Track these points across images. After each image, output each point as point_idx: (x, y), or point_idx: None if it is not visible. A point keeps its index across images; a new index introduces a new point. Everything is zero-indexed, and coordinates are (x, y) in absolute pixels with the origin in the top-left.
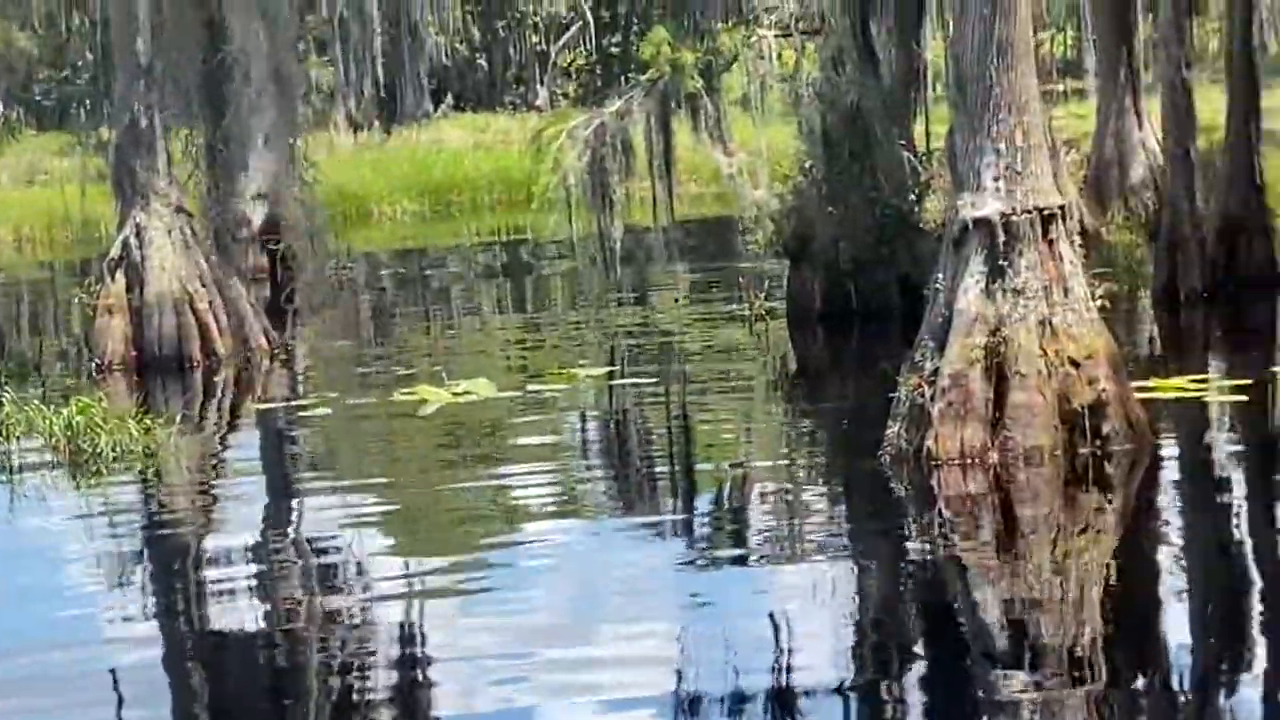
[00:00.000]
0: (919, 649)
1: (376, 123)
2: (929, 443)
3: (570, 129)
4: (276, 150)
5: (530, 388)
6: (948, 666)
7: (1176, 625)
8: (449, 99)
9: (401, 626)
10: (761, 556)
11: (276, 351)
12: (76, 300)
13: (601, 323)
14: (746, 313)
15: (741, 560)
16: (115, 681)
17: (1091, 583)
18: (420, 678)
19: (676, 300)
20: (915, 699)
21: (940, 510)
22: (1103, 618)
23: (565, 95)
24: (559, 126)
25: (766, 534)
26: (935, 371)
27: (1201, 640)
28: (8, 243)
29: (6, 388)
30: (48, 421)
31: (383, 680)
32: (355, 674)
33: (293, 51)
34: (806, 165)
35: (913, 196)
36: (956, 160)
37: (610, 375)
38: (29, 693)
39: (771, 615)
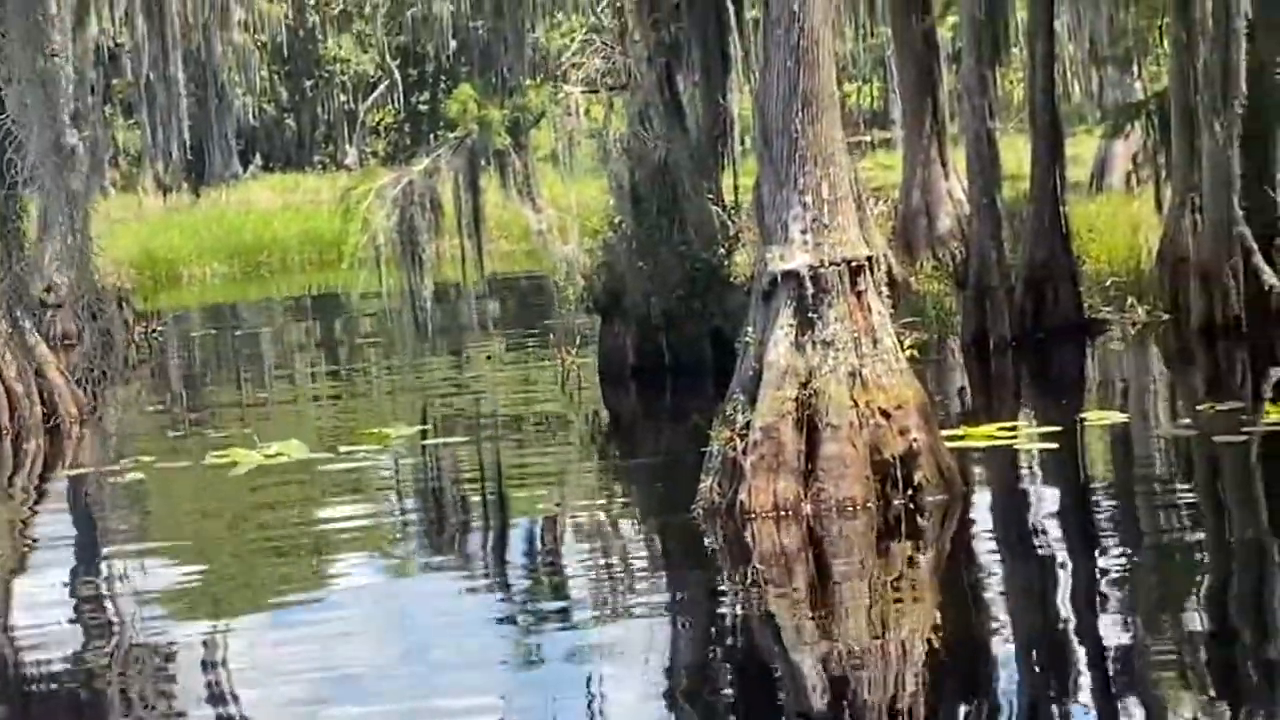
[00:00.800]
0: (735, 709)
1: (185, 184)
2: (742, 496)
3: (379, 188)
4: (58, 220)
5: (342, 448)
6: None
7: (995, 675)
8: (257, 159)
9: (208, 685)
10: (577, 613)
11: (86, 417)
12: None
13: (414, 382)
14: (559, 368)
15: (558, 616)
16: None
17: (906, 634)
18: None
19: (489, 358)
20: None
21: (755, 564)
22: (919, 670)
23: (374, 154)
24: (367, 185)
25: (582, 590)
26: (747, 425)
27: (1023, 688)
28: None
29: None
30: None
31: None
32: None
33: (78, 119)
34: (616, 220)
35: (722, 250)
36: (764, 213)
37: (423, 434)
38: None
39: (589, 678)
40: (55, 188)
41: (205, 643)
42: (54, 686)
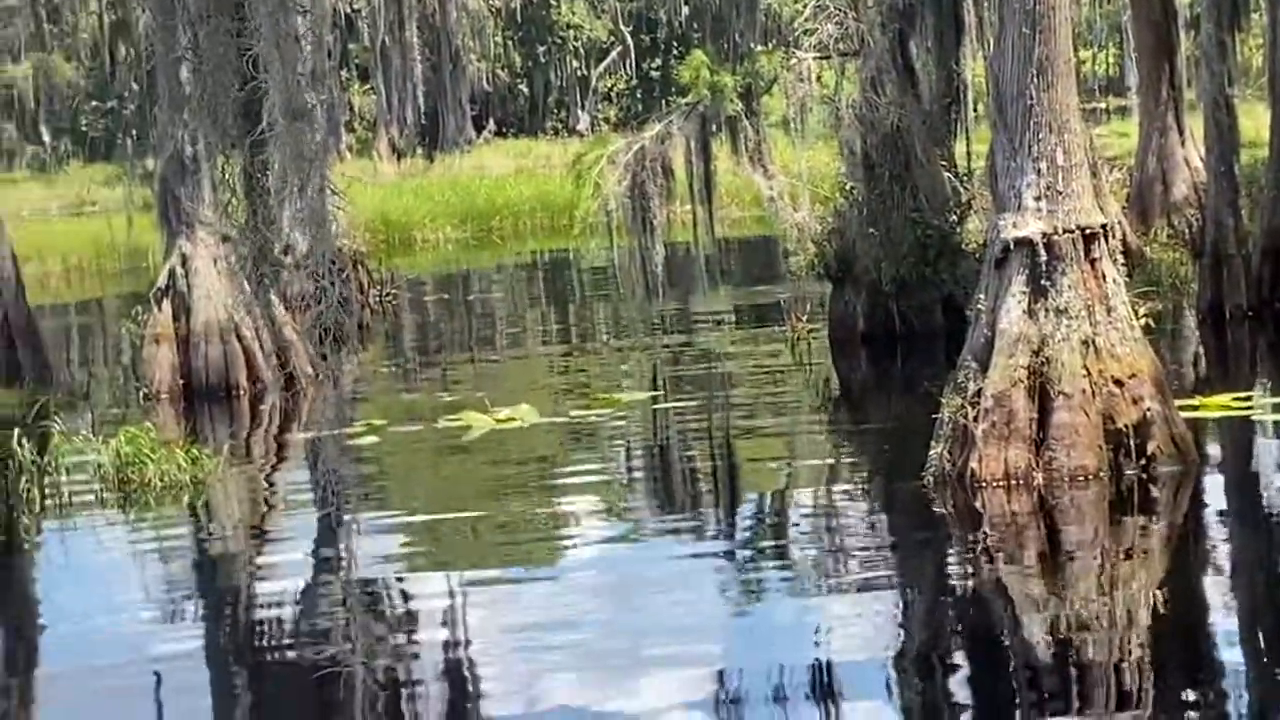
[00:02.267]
0: (963, 676)
1: (419, 149)
2: (973, 464)
3: (610, 153)
4: (295, 181)
5: (574, 413)
6: (992, 696)
7: (1226, 649)
8: (490, 125)
9: (446, 648)
10: (803, 578)
11: (322, 378)
12: (124, 330)
13: (644, 347)
14: (789, 335)
15: (784, 581)
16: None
17: (1138, 606)
18: (468, 703)
19: (719, 323)
20: None
21: (985, 532)
22: (1150, 643)
23: (606, 119)
24: (599, 151)
25: (809, 555)
26: (978, 392)
27: (1253, 663)
28: (56, 273)
29: (56, 418)
30: (96, 452)
31: (434, 708)
32: (406, 700)
33: (313, 81)
34: (847, 187)
35: (954, 217)
36: (997, 179)
37: (653, 399)
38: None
39: (815, 642)
40: (292, 148)
41: (439, 602)
42: (294, 644)
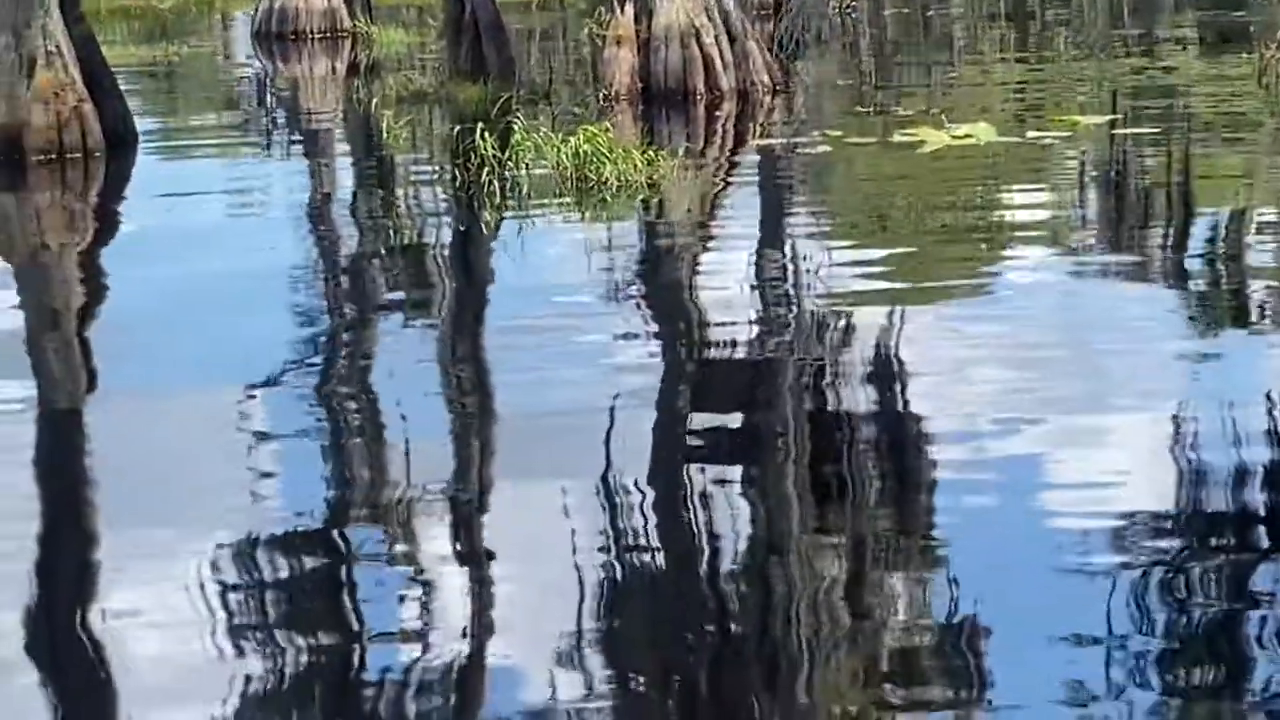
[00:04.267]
0: None
1: None
2: None
3: None
4: None
5: (1030, 133)
6: None
7: None
8: None
9: (872, 359)
10: (1255, 320)
11: (778, 87)
12: (586, 32)
13: (1105, 69)
14: (1256, 63)
15: (1234, 321)
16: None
17: None
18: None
19: (1184, 49)
20: None
21: None
22: None
23: None
24: None
25: (1263, 300)
26: None
27: None
28: None
29: (518, 115)
30: (555, 149)
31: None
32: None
33: None
34: None
35: None
36: None
37: (1112, 124)
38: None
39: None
40: None
41: (874, 321)
42: (729, 350)
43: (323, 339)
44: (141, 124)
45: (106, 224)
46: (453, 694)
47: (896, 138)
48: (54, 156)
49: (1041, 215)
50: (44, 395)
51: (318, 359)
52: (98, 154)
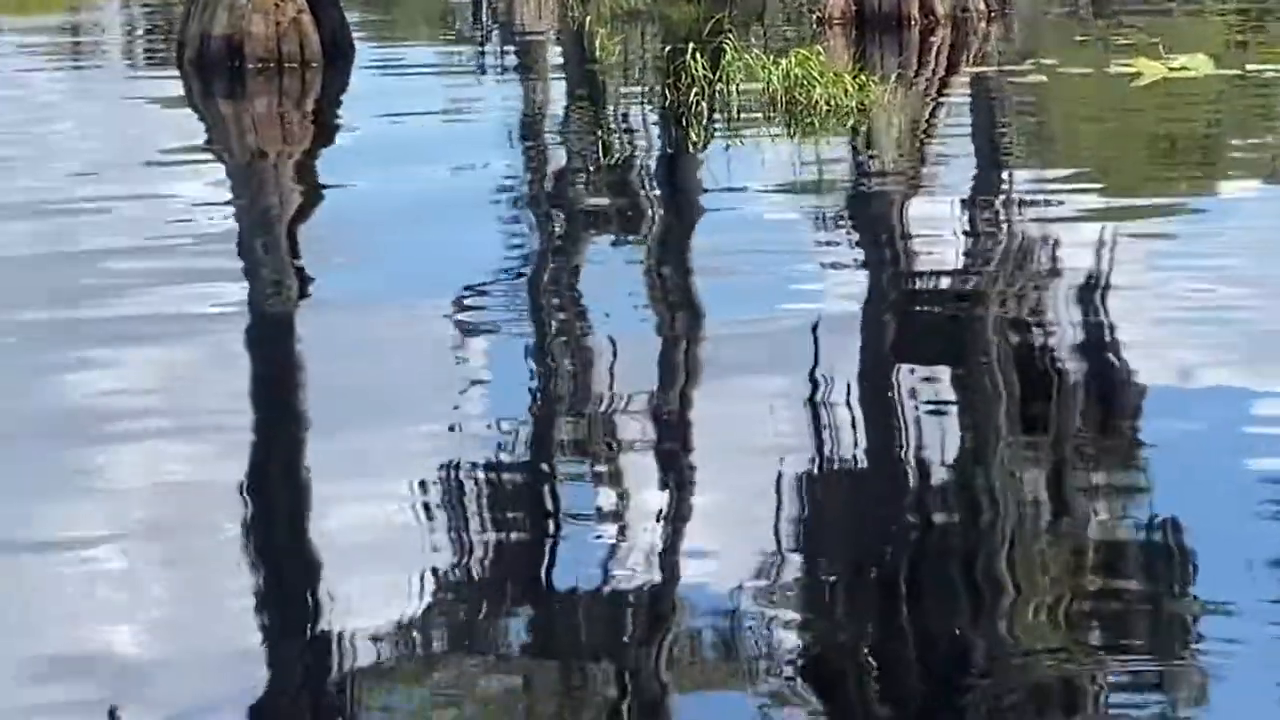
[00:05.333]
0: None
1: None
2: None
3: None
4: None
5: (1249, 66)
6: None
7: None
8: None
9: (1089, 282)
10: None
11: (993, 14)
12: None
13: None
14: None
15: None
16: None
17: None
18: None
19: None
20: None
21: None
22: None
23: None
24: None
25: None
26: None
27: None
28: None
29: (730, 36)
30: (766, 71)
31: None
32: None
33: None
34: None
35: None
36: None
37: None
38: None
39: None
40: None
41: (1084, 252)
42: (935, 279)
43: (531, 252)
44: (359, 36)
45: (321, 133)
46: (651, 587)
47: (1113, 68)
48: (272, 65)
49: (1249, 145)
50: (254, 299)
51: (526, 270)
52: (314, 64)
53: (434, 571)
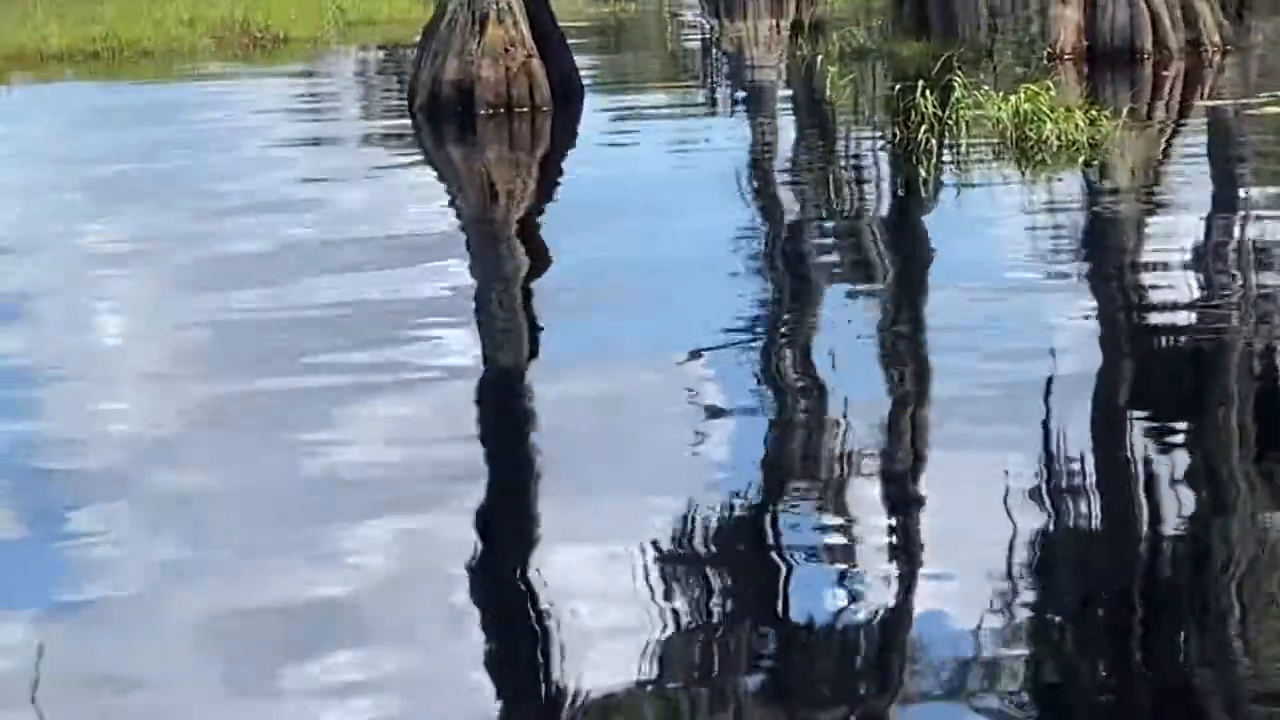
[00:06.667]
0: None
1: None
2: None
3: None
4: None
5: None
6: None
7: None
8: None
9: None
10: None
11: (1229, 47)
12: None
13: None
14: None
15: None
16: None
17: None
18: None
19: None
20: None
21: None
22: None
23: None
24: None
25: None
26: None
27: None
28: None
29: (960, 72)
30: (996, 108)
31: None
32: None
33: None
34: None
35: None
36: None
37: None
38: None
39: None
40: None
41: None
42: (1171, 334)
43: (764, 305)
44: (588, 79)
45: (551, 181)
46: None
47: None
48: (502, 110)
49: None
50: (488, 356)
51: (760, 326)
52: (544, 108)
53: (676, 626)
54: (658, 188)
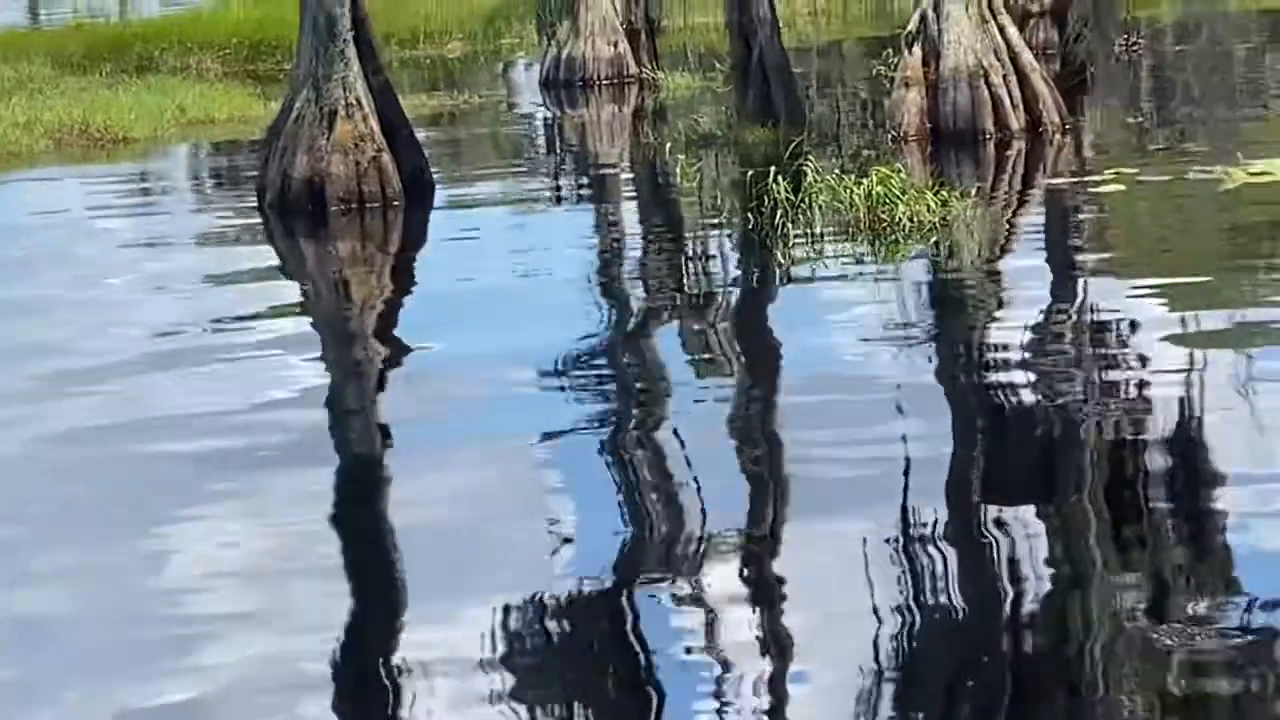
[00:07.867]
0: None
1: None
2: None
3: None
4: None
5: None
6: None
7: None
8: None
9: (1181, 403)
10: None
11: (1068, 126)
12: (875, 72)
13: None
14: None
15: None
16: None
17: None
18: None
19: None
20: None
21: None
22: None
23: None
24: None
25: None
26: None
27: None
28: (803, 15)
29: (809, 157)
30: (848, 191)
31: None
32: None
33: None
34: None
35: None
36: None
37: None
38: None
39: None
40: None
41: (1173, 358)
42: (1021, 385)
43: (616, 400)
44: (436, 171)
45: (403, 279)
46: None
47: (1193, 175)
48: (354, 206)
49: None
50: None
51: (612, 415)
52: (396, 203)
53: None
54: (508, 288)
